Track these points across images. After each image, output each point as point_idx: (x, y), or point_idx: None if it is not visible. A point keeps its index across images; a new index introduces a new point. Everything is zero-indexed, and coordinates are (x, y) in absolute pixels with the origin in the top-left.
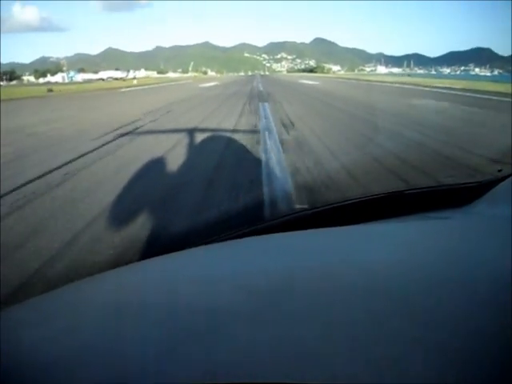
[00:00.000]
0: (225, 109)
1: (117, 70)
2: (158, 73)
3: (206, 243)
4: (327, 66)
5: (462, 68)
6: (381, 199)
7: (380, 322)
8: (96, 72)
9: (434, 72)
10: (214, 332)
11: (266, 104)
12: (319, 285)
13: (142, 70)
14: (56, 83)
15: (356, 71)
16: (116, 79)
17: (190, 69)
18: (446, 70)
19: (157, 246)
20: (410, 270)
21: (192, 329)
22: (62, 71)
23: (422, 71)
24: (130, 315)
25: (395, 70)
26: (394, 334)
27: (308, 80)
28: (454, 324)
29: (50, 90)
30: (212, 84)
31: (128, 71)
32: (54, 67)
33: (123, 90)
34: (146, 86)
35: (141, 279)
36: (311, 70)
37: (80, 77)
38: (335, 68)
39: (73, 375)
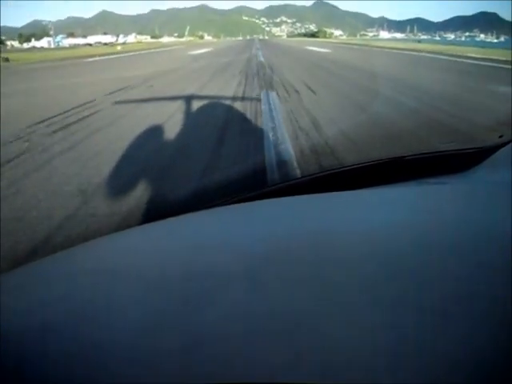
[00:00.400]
0: (204, 96)
1: (105, 34)
2: (152, 37)
3: (203, 209)
4: (329, 30)
5: (467, 34)
6: (380, 165)
7: (377, 287)
8: (85, 36)
9: (437, 38)
10: (208, 297)
11: (273, 94)
12: (316, 249)
13: (133, 35)
14: (42, 48)
15: (358, 36)
16: (105, 44)
17: (186, 33)
18: (451, 36)
19: (154, 211)
20: (409, 234)
21: (186, 294)
22: (48, 35)
23: (425, 37)
24: (124, 281)
25: (398, 35)
26: (391, 299)
27: (315, 46)
28: (453, 288)
29: (6, 60)
30: (203, 51)
31: (117, 36)
32: (41, 31)
33: (97, 58)
34: (127, 54)
35: (136, 245)
36: (313, 35)
37: (67, 41)
38: (337, 33)
39: (66, 341)
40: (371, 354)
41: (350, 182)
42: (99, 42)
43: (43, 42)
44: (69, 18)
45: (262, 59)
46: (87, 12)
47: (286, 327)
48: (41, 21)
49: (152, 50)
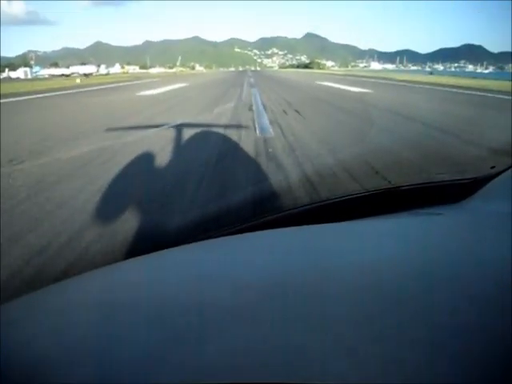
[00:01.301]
0: None
1: (83, 64)
2: (141, 68)
3: (200, 240)
4: (322, 61)
5: (456, 65)
6: (374, 195)
7: (372, 320)
8: (68, 67)
9: (428, 69)
10: (206, 330)
11: None
12: (312, 281)
13: (117, 65)
14: (17, 79)
15: (350, 67)
16: (85, 75)
17: (178, 64)
18: (440, 67)
19: (149, 242)
20: (404, 266)
21: (184, 327)
22: (28, 65)
23: (415, 67)
24: (122, 313)
25: (389, 66)
26: (386, 332)
27: (329, 81)
28: (447, 322)
29: None
30: (179, 86)
31: (99, 66)
32: (21, 60)
33: (38, 95)
34: (71, 90)
35: (133, 276)
36: (306, 66)
37: (47, 72)
38: (329, 64)
39: (63, 373)
40: None
41: (345, 213)
42: (76, 73)
43: (19, 73)
44: (63, 48)
45: (259, 107)
46: (82, 43)
47: (286, 361)
48: (35, 51)
49: (113, 85)
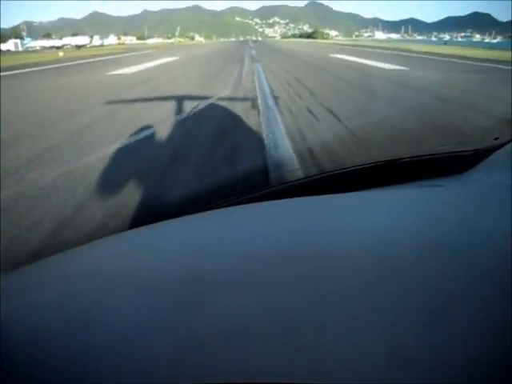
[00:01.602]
0: None
1: (74, 35)
2: (138, 38)
3: (201, 211)
4: (325, 31)
5: (462, 34)
6: (376, 167)
7: (373, 290)
8: (61, 38)
9: (434, 38)
10: (206, 300)
11: None
12: (312, 251)
13: (111, 36)
14: (8, 51)
15: (354, 36)
16: (77, 46)
17: (177, 34)
18: (446, 36)
19: (151, 213)
20: (405, 237)
21: (183, 297)
22: (20, 37)
23: (421, 37)
24: (121, 284)
25: (393, 35)
26: (386, 302)
27: (343, 54)
28: (449, 292)
29: None
30: (167, 60)
31: (91, 37)
32: (12, 32)
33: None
34: (45, 66)
35: (134, 247)
36: (309, 36)
37: (38, 43)
38: (333, 33)
39: (62, 343)
40: (371, 357)
41: (347, 184)
42: (69, 44)
43: (9, 45)
44: (60, 19)
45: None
46: (79, 13)
47: (286, 329)
48: (31, 22)
49: (89, 60)
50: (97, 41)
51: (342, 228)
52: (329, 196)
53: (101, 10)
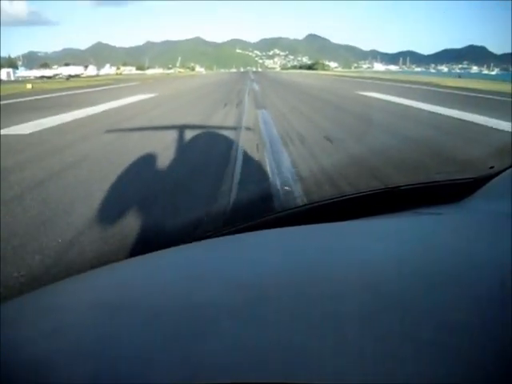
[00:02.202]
0: None
1: (67, 65)
2: (137, 69)
3: (200, 239)
4: (325, 62)
5: (460, 66)
6: (374, 195)
7: (371, 318)
8: (56, 67)
9: (432, 70)
10: (204, 329)
11: None
12: (311, 281)
13: (107, 66)
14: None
15: (353, 68)
16: (70, 76)
17: (178, 64)
18: (444, 68)
19: (149, 242)
20: (403, 266)
21: (181, 327)
22: (14, 67)
23: (419, 69)
24: (119, 313)
25: (392, 67)
26: (385, 331)
27: (386, 94)
28: (447, 321)
29: None
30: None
31: (86, 66)
32: (7, 62)
33: None
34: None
35: (131, 277)
36: (309, 67)
37: (30, 73)
38: (332, 65)
39: (62, 373)
40: None
41: (345, 213)
42: (61, 74)
43: (2, 74)
44: (64, 49)
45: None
46: (82, 44)
47: (284, 359)
48: (36, 52)
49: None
50: (92, 71)
51: (340, 257)
52: (326, 225)
53: (105, 41)
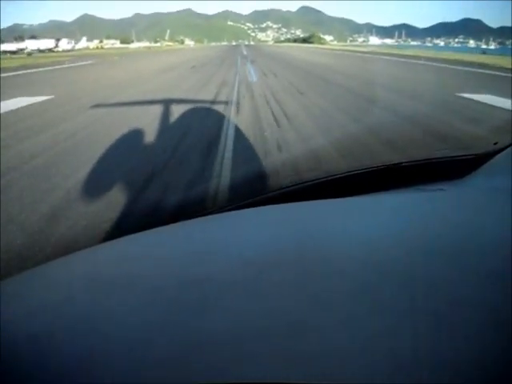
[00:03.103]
0: None
1: (33, 37)
2: (122, 42)
3: (200, 216)
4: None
5: (456, 40)
6: (376, 171)
7: (373, 294)
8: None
9: (429, 44)
10: (204, 305)
11: None
12: (312, 256)
13: (83, 39)
14: None
15: (348, 42)
16: (41, 51)
17: (167, 38)
18: (441, 42)
19: (150, 218)
20: (405, 242)
21: (182, 302)
22: None
23: (415, 43)
24: (121, 288)
25: (388, 41)
26: (387, 306)
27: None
28: (448, 296)
29: None
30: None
31: (58, 40)
32: None
33: None
34: None
35: (132, 252)
36: (304, 40)
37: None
38: (328, 38)
39: (63, 347)
40: (370, 359)
41: (347, 189)
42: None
43: None
44: (50, 21)
45: None
46: (68, 16)
47: (285, 333)
48: (22, 24)
49: None
50: (66, 44)
51: (341, 233)
52: (328, 201)
53: (91, 13)
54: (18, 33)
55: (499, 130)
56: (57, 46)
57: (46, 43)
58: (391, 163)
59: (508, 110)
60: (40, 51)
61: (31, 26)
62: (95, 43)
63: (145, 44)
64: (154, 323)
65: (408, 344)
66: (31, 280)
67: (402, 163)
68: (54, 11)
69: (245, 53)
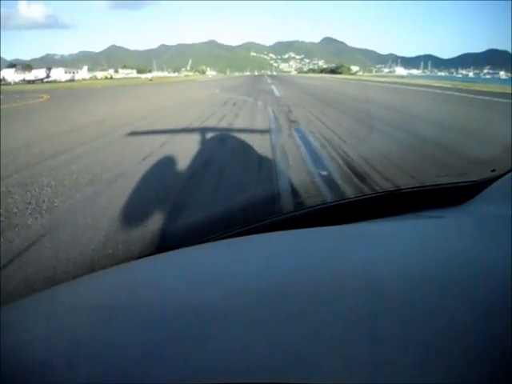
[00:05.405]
0: None
1: (11, 66)
2: (138, 72)
3: (200, 242)
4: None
5: (485, 71)
6: (375, 198)
7: (372, 322)
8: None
9: (459, 75)
10: (203, 332)
11: None
12: (311, 284)
13: (85, 69)
14: None
15: (374, 72)
16: (29, 82)
17: (188, 67)
18: (469, 73)
19: (150, 244)
20: (405, 269)
21: (181, 329)
22: None
23: (442, 73)
24: (119, 316)
25: (414, 71)
26: (385, 334)
27: None
28: (446, 325)
29: None
30: None
31: (49, 69)
32: None
33: None
34: None
35: (135, 279)
36: (332, 71)
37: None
38: (354, 68)
39: (61, 376)
40: None
41: (347, 216)
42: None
43: None
44: (80, 52)
45: None
46: (97, 47)
47: (283, 362)
48: (53, 54)
49: None
50: (62, 74)
51: (341, 260)
52: (328, 228)
53: (118, 44)
54: (49, 62)
55: None
56: (48, 76)
57: (36, 73)
58: (391, 189)
59: None
60: (27, 82)
61: (62, 56)
62: (104, 73)
63: (163, 74)
64: (153, 351)
65: (406, 374)
66: (30, 308)
67: (401, 189)
68: (84, 42)
69: (267, 81)
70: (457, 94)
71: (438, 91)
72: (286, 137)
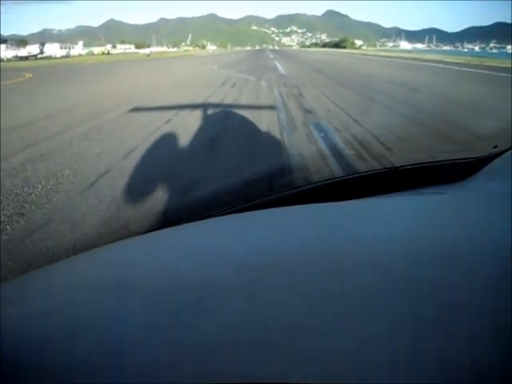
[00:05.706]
0: None
1: (2, 42)
2: (136, 47)
3: (201, 219)
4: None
5: (492, 45)
6: (376, 175)
7: (372, 297)
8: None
9: (465, 49)
10: (205, 307)
11: None
12: (312, 259)
13: (80, 44)
14: None
15: (378, 46)
16: (21, 58)
17: (188, 42)
18: (475, 47)
19: (151, 220)
20: (405, 245)
21: (183, 304)
22: None
23: (447, 47)
24: (121, 291)
25: (419, 45)
26: (385, 310)
27: None
28: (448, 299)
29: None
30: None
31: (42, 44)
32: None
33: None
34: None
35: (134, 255)
36: (336, 45)
37: None
38: (358, 43)
39: (61, 351)
40: (369, 364)
41: (347, 192)
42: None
43: None
44: (78, 26)
45: None
46: (95, 21)
47: (284, 337)
48: (50, 29)
49: None
50: (58, 50)
51: (342, 236)
52: (329, 204)
53: (117, 18)
54: (46, 37)
55: None
56: (41, 52)
57: (29, 49)
58: (392, 166)
59: None
60: (20, 58)
61: (60, 31)
62: (101, 48)
63: (162, 48)
64: (152, 326)
65: (408, 346)
66: (30, 283)
67: (402, 166)
68: (82, 17)
69: (269, 55)
70: (479, 71)
71: (456, 67)
72: (303, 138)
